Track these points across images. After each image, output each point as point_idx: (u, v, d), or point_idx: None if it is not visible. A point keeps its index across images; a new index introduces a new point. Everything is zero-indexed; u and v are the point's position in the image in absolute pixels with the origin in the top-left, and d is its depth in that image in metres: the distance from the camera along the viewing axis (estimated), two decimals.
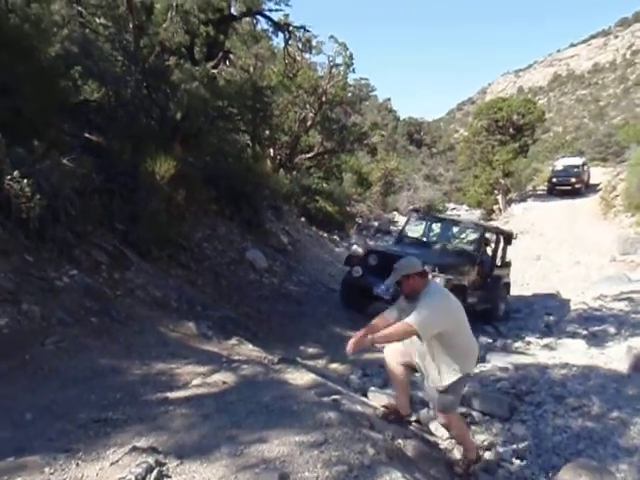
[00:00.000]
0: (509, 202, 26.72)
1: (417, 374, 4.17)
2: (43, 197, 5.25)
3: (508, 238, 10.46)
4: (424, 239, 9.53)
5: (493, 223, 22.50)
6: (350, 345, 3.72)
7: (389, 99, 58.19)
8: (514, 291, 12.17)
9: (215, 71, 8.38)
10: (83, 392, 3.83)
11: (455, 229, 9.76)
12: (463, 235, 9.44)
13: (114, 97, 8.32)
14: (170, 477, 2.71)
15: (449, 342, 3.74)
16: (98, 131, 7.92)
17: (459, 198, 34.36)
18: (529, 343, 7.88)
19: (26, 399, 3.63)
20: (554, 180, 26.51)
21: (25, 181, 5.08)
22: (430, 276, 6.34)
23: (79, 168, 6.26)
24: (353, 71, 15.66)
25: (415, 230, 9.98)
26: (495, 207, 26.53)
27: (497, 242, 9.92)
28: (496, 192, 26.47)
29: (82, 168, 6.32)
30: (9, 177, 5.04)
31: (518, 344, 7.84)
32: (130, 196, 6.87)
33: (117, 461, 2.83)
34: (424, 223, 9.99)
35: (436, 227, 9.79)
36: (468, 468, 3.97)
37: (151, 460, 2.78)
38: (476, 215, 27.20)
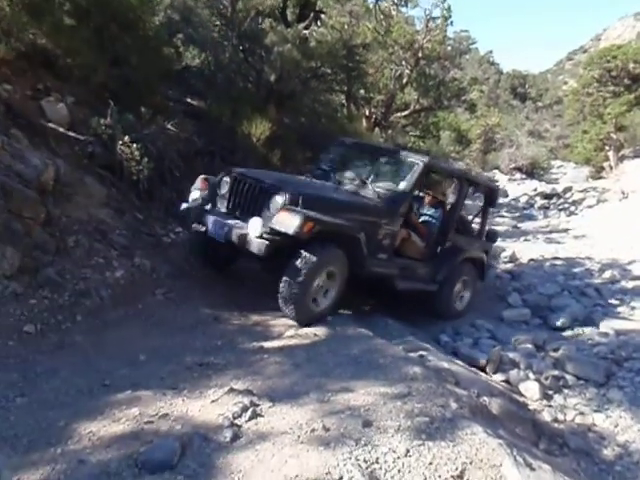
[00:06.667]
0: (621, 159, 24.66)
1: None
2: (151, 160, 5.68)
3: (490, 195, 7.00)
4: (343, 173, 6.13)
5: (600, 181, 20.90)
6: None
7: (491, 52, 55.44)
8: (621, 253, 11.33)
9: (307, 32, 8.42)
10: (188, 338, 4.22)
11: (387, 163, 6.22)
12: (397, 172, 6.03)
13: (213, 62, 8.65)
14: (263, 416, 2.96)
15: None
16: (198, 96, 8.31)
17: (566, 155, 32.20)
18: (633, 308, 7.45)
19: (140, 342, 4.07)
20: None
21: (135, 145, 5.51)
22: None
23: (182, 132, 6.66)
24: (451, 24, 14.95)
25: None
26: (605, 164, 24.63)
27: (461, 194, 6.39)
28: (607, 148, 24.50)
29: (185, 132, 6.72)
30: (121, 142, 5.48)
31: (621, 309, 7.44)
32: (229, 157, 7.21)
33: (217, 400, 3.14)
34: (344, 152, 6.60)
35: (361, 158, 6.46)
36: None
37: (246, 401, 3.06)
38: (584, 173, 25.47)
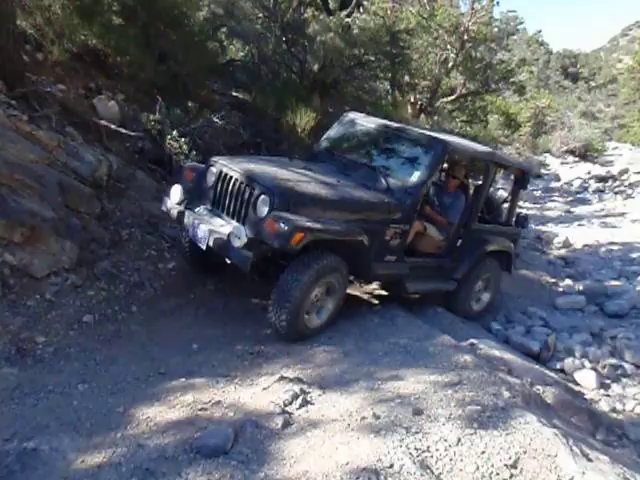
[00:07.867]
0: None
1: None
2: (198, 153, 5.79)
3: (521, 176, 5.99)
4: (349, 156, 5.27)
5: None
6: None
7: (540, 31, 53.63)
8: None
9: (349, 19, 8.36)
10: (239, 327, 4.31)
11: (401, 145, 5.19)
12: (412, 156, 5.07)
13: (257, 54, 8.72)
14: (313, 404, 3.00)
15: None
16: (243, 88, 8.40)
17: (622, 136, 30.89)
18: None
19: (192, 331, 4.18)
20: None
21: (183, 139, 5.64)
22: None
23: (228, 125, 6.76)
24: (497, 4, 14.53)
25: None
26: None
27: (486, 178, 5.47)
28: None
29: (231, 124, 6.82)
30: (169, 137, 5.62)
31: None
32: (275, 148, 7.27)
33: (268, 387, 3.20)
34: (353, 131, 5.55)
35: (371, 139, 5.40)
36: None
37: (297, 388, 3.10)
38: None
